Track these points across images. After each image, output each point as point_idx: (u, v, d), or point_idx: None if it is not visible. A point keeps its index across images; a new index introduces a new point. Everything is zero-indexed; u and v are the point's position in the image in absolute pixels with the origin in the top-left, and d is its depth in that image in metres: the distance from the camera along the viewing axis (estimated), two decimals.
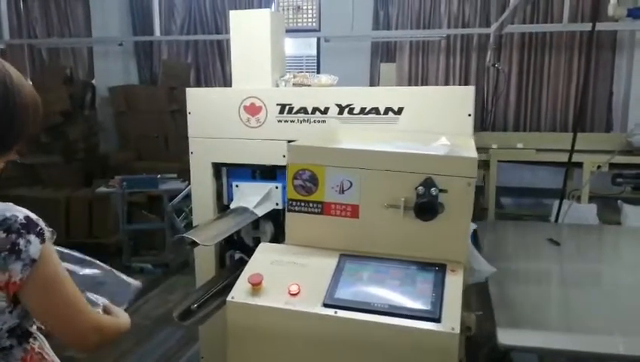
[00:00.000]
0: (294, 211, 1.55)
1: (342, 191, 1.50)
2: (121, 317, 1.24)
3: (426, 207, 1.41)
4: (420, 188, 1.42)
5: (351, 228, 1.51)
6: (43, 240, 1.03)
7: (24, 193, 4.75)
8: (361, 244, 1.50)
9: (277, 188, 1.99)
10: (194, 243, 1.62)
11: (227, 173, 2.07)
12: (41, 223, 1.05)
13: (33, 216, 1.05)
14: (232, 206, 1.97)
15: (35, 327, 1.17)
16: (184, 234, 1.58)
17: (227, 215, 1.87)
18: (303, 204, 1.54)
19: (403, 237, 1.47)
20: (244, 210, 1.87)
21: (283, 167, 1.93)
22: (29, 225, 1.02)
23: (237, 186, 2.04)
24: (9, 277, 0.99)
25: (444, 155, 1.45)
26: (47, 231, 1.06)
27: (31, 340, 1.15)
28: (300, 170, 1.52)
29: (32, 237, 1.01)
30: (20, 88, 1.06)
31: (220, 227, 1.75)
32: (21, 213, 1.03)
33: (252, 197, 1.94)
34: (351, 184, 1.49)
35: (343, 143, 1.68)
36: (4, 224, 0.99)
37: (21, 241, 0.99)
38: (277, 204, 2.00)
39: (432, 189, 1.41)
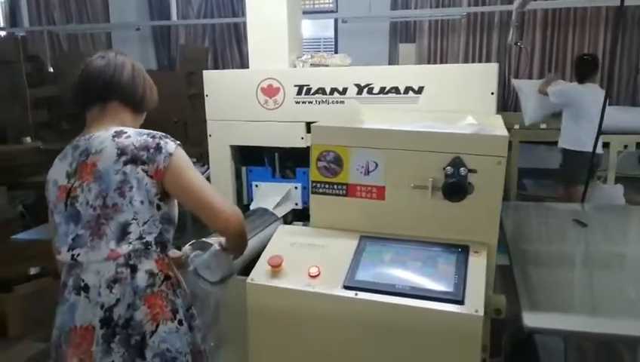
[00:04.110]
0: (318, 193, 1.53)
1: (367, 173, 1.46)
2: None
3: (456, 188, 1.37)
4: (449, 168, 1.38)
5: (376, 210, 1.48)
6: (176, 145, 1.45)
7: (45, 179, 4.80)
8: (387, 226, 1.47)
9: (296, 188, 1.99)
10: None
11: (247, 172, 2.08)
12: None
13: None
14: (252, 206, 1.98)
15: (171, 243, 1.45)
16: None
17: (246, 218, 1.87)
18: (327, 185, 1.51)
19: (431, 218, 1.43)
20: (264, 211, 1.88)
21: (303, 166, 1.94)
22: (166, 135, 1.46)
23: (257, 186, 2.05)
24: (156, 166, 1.38)
25: (473, 134, 1.40)
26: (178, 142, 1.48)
27: (163, 255, 1.40)
28: (324, 152, 1.49)
29: (169, 140, 1.45)
30: (144, 73, 1.63)
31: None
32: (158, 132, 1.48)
33: (272, 197, 1.95)
34: (376, 165, 1.45)
35: (367, 123, 1.64)
36: (150, 134, 1.45)
37: (162, 142, 1.43)
38: (296, 204, 1.99)
39: (461, 169, 1.37)
